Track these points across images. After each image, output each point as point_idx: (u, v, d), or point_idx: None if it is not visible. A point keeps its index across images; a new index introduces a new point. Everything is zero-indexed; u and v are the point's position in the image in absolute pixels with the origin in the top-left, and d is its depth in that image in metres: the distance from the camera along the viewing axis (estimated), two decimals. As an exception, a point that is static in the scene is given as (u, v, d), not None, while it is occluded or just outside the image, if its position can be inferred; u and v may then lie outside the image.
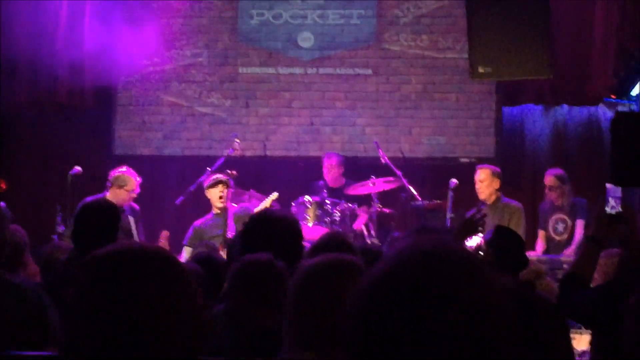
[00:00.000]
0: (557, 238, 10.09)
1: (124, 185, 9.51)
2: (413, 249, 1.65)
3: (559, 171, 10.23)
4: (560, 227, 10.08)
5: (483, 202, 10.02)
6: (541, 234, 10.23)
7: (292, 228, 4.65)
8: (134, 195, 9.60)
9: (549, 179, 10.13)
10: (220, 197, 9.40)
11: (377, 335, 1.58)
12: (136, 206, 9.83)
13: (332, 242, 4.57)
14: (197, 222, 9.85)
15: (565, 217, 10.06)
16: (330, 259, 3.09)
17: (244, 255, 4.47)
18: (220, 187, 9.45)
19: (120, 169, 9.70)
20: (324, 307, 2.87)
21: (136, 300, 2.10)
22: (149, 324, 2.08)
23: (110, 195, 9.46)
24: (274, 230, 4.51)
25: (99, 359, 2.09)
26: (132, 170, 9.76)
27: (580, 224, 9.93)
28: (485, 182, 10.02)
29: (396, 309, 1.57)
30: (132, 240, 2.07)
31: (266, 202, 9.56)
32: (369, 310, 1.61)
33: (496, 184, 10.05)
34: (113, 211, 5.47)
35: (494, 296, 1.61)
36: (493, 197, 10.04)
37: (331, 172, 10.97)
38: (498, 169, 10.20)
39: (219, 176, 9.55)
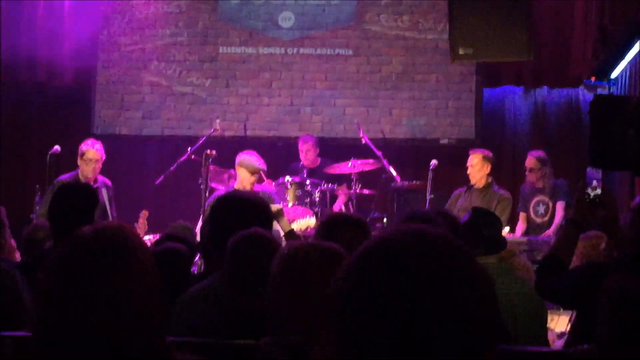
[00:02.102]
0: (538, 220, 10.11)
1: (83, 155, 9.44)
2: (396, 231, 1.68)
3: (540, 153, 10.23)
4: (541, 209, 10.10)
5: (472, 185, 10.02)
6: (522, 215, 10.25)
7: (262, 209, 4.64)
8: (94, 165, 9.45)
9: (530, 161, 10.13)
10: (252, 183, 9.47)
11: (360, 312, 1.61)
12: (108, 181, 9.75)
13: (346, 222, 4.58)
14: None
15: (546, 199, 10.08)
16: (311, 243, 3.11)
17: (213, 236, 4.48)
18: (257, 176, 9.52)
19: (84, 141, 9.63)
20: (306, 292, 2.88)
21: (99, 287, 2.11)
22: (113, 309, 2.10)
23: (80, 170, 9.44)
24: (243, 212, 4.50)
25: (67, 341, 2.10)
26: (96, 142, 9.68)
27: (560, 206, 9.93)
28: (476, 167, 9.99)
29: (376, 285, 1.60)
30: (94, 229, 2.08)
31: (301, 226, 9.62)
32: (352, 287, 1.64)
33: (487, 168, 10.01)
34: (90, 193, 5.43)
35: (474, 277, 1.65)
36: (483, 182, 9.99)
37: (308, 155, 10.97)
38: (490, 154, 10.14)
39: (261, 166, 9.56)
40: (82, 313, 2.12)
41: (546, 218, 10.07)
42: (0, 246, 5.60)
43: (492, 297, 1.67)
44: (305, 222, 9.67)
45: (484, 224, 5.26)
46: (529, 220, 10.20)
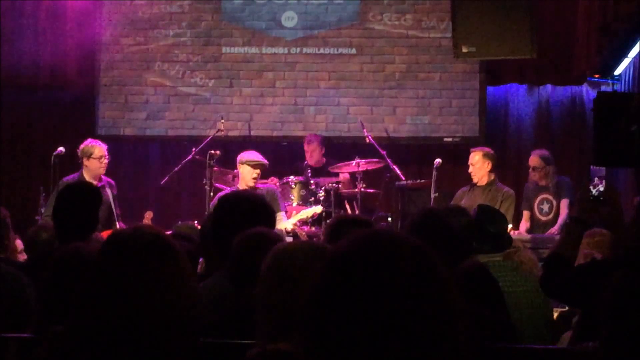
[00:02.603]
0: (543, 218, 10.10)
1: (91, 154, 9.43)
2: (364, 235, 1.72)
3: (543, 152, 10.21)
4: (546, 207, 10.09)
5: (475, 184, 9.99)
6: (525, 214, 10.23)
7: (263, 209, 4.65)
8: (105, 161, 9.50)
9: (533, 160, 10.11)
10: (254, 178, 9.44)
11: (327, 312, 1.65)
12: (111, 180, 9.75)
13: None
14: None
15: (550, 197, 10.07)
16: (298, 242, 3.10)
17: (215, 236, 4.49)
18: (259, 170, 9.49)
19: (84, 143, 9.63)
20: (293, 291, 2.86)
21: (143, 286, 2.11)
22: (147, 311, 2.09)
23: (84, 170, 9.43)
24: (245, 211, 4.51)
25: (105, 337, 2.10)
26: (95, 140, 9.70)
27: (564, 204, 9.92)
28: (477, 165, 9.95)
29: (344, 287, 1.65)
30: (137, 228, 2.10)
31: (307, 213, 9.67)
32: (321, 288, 1.69)
33: (488, 165, 9.94)
34: (93, 193, 5.43)
35: (435, 279, 1.68)
36: (485, 179, 9.94)
37: (313, 155, 11.00)
38: (490, 151, 10.08)
39: (262, 160, 9.53)
40: (123, 312, 2.11)
41: (550, 216, 10.06)
42: (4, 247, 5.60)
43: (455, 298, 1.69)
44: (312, 210, 9.70)
45: (490, 221, 5.27)
46: (533, 218, 10.19)
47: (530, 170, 10.18)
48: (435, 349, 1.61)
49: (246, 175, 9.46)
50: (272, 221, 4.71)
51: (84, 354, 2.18)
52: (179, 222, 8.38)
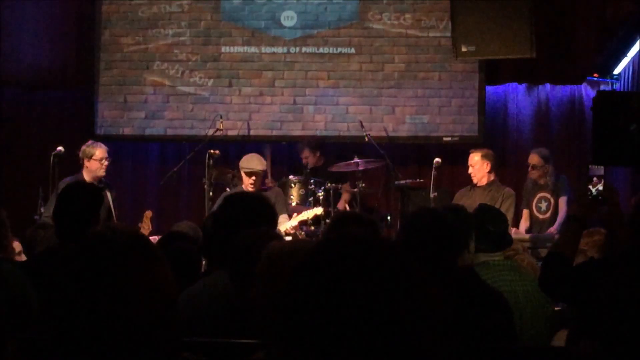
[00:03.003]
0: (541, 217, 10.11)
1: (92, 156, 9.44)
2: (336, 237, 1.74)
3: (543, 150, 10.22)
4: (544, 205, 10.10)
5: (475, 184, 9.99)
6: (525, 212, 10.24)
7: (266, 209, 4.65)
8: (106, 163, 9.50)
9: (533, 158, 10.12)
10: (252, 184, 9.40)
11: (297, 313, 1.66)
12: (110, 183, 9.75)
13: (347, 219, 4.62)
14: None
15: (548, 196, 10.08)
16: (293, 241, 3.10)
17: (217, 235, 4.49)
18: (254, 177, 9.42)
19: (85, 144, 9.63)
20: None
21: (111, 289, 2.10)
22: (126, 311, 2.09)
23: (85, 171, 9.43)
24: (247, 211, 4.51)
25: (83, 339, 2.10)
26: (96, 142, 9.71)
27: (563, 201, 9.93)
28: (476, 166, 9.95)
29: (315, 288, 1.65)
30: (110, 228, 2.08)
31: (308, 215, 9.63)
32: (293, 289, 1.70)
33: (487, 166, 9.93)
34: (95, 193, 5.43)
35: (407, 280, 1.67)
36: (485, 180, 9.95)
37: (308, 161, 11.00)
38: (490, 152, 10.07)
39: (255, 167, 9.45)
40: (101, 311, 2.10)
41: (548, 214, 10.06)
42: (3, 246, 5.60)
43: (430, 299, 1.69)
44: (312, 211, 9.68)
45: (490, 220, 5.26)
46: (531, 216, 10.20)
47: (529, 168, 10.18)
48: (410, 350, 1.61)
49: (244, 181, 9.45)
50: (275, 221, 4.71)
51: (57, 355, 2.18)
52: (182, 222, 8.39)
